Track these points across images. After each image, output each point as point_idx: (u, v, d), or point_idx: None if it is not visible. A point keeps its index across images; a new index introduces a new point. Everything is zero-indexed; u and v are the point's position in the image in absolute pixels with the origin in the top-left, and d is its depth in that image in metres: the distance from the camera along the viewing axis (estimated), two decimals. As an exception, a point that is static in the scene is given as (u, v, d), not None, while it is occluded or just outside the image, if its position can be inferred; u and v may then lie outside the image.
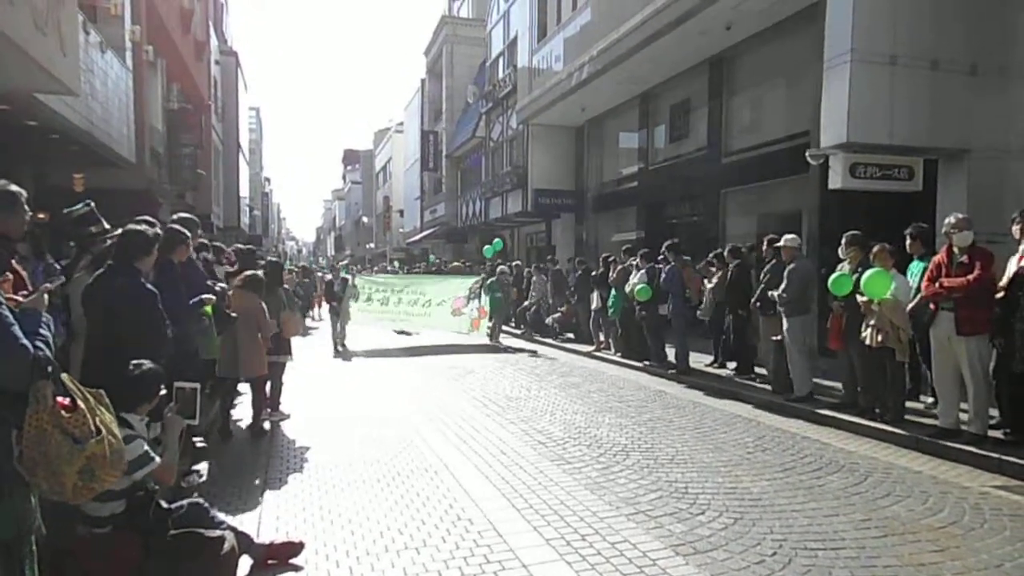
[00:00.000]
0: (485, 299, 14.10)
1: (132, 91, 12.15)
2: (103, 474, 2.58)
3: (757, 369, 9.27)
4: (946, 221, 5.98)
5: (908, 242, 6.92)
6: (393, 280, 15.72)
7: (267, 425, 6.91)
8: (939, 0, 8.47)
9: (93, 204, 5.04)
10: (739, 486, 5.07)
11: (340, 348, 13.32)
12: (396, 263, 35.20)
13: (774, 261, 8.36)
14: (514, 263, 18.06)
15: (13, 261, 3.45)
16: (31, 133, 8.90)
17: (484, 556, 3.83)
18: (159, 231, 4.47)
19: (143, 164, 12.85)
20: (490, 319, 14.21)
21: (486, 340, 14.11)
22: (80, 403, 2.56)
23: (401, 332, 15.34)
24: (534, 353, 13.10)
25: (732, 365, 9.77)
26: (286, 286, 8.20)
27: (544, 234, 22.99)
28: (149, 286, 4.04)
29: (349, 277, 14.91)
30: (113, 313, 3.85)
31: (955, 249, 5.87)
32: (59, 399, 2.51)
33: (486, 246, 17.20)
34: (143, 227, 4.15)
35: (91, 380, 2.92)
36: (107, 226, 4.96)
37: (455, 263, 24.13)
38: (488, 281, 14.38)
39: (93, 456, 2.52)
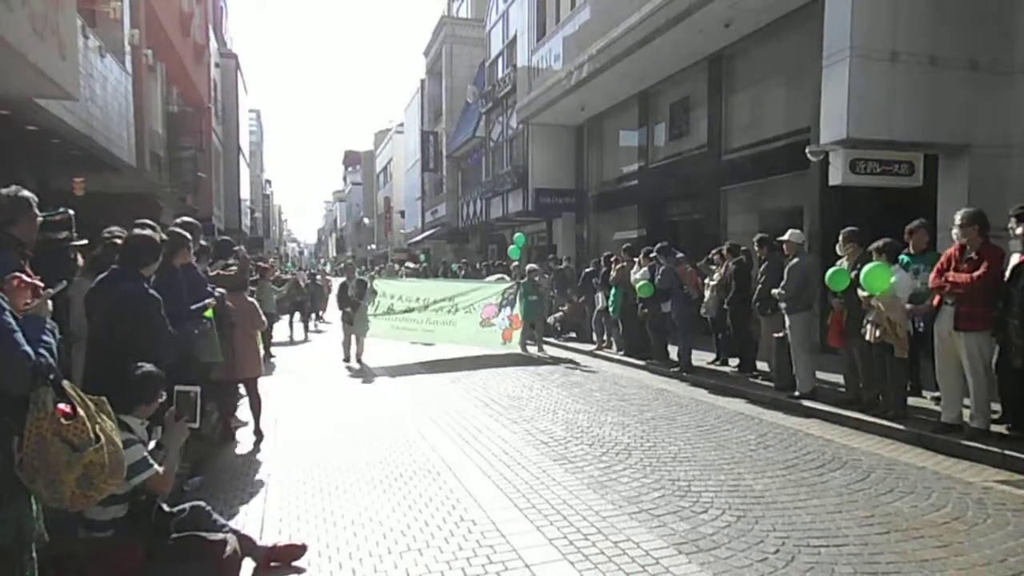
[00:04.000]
0: (519, 305, 12.54)
1: (132, 95, 12.15)
2: (101, 482, 2.57)
3: (759, 366, 9.26)
4: (954, 218, 5.94)
5: (907, 237, 6.90)
6: (417, 286, 13.51)
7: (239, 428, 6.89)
8: (938, -5, 8.46)
9: (72, 213, 4.96)
10: (742, 483, 5.06)
11: (357, 363, 11.63)
12: (422, 258, 33.54)
13: (768, 262, 8.35)
14: (514, 264, 18.01)
15: (26, 267, 3.46)
16: (31, 138, 8.91)
17: (487, 557, 3.83)
18: (164, 236, 4.47)
19: (143, 167, 12.85)
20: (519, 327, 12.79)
21: (518, 350, 12.61)
22: (80, 410, 2.55)
23: (417, 343, 13.43)
24: (536, 352, 13.06)
25: (734, 362, 9.77)
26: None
27: (545, 233, 23.01)
28: (152, 292, 4.05)
29: (366, 280, 12.81)
30: (116, 318, 3.85)
31: (968, 246, 5.84)
32: (60, 406, 2.50)
33: (511, 246, 15.85)
34: (149, 232, 4.15)
35: (93, 384, 2.92)
36: (74, 234, 4.85)
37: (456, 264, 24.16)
38: (522, 283, 12.84)
39: (91, 464, 2.51)
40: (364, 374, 10.81)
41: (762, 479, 5.16)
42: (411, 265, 23.36)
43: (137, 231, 4.12)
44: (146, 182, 13.21)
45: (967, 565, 3.66)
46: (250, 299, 6.72)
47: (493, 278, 16.19)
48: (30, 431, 2.40)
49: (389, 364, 11.58)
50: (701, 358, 10.24)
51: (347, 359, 11.77)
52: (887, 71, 8.33)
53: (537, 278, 13.09)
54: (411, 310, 12.22)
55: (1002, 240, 6.07)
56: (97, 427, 2.60)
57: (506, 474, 5.36)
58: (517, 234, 17.01)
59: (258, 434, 6.59)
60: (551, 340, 14.25)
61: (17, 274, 2.59)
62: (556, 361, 11.98)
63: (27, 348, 2.32)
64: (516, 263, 15.45)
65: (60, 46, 7.03)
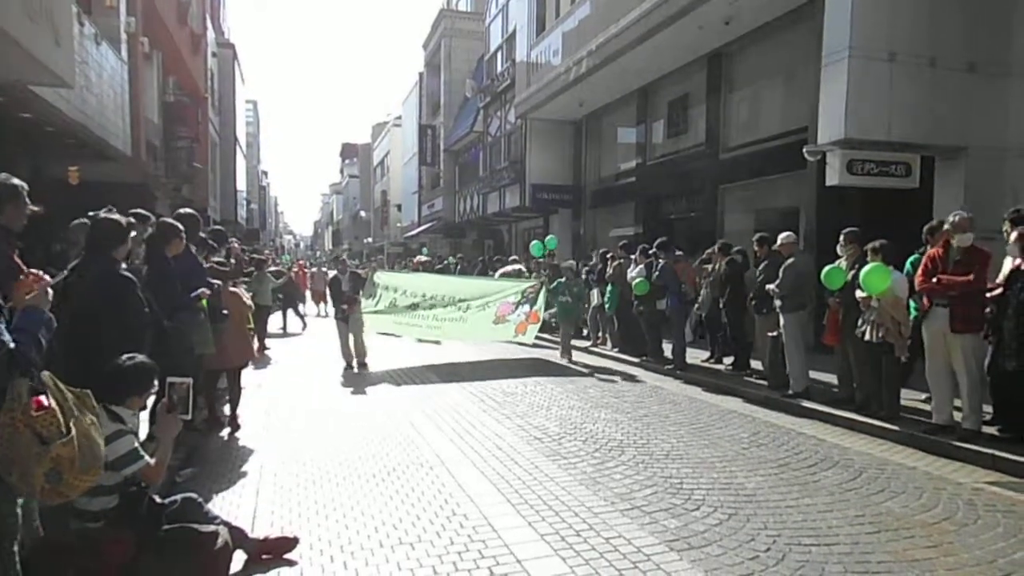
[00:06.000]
0: (540, 303, 11.40)
1: (127, 83, 12.10)
2: (71, 478, 2.50)
3: (754, 364, 9.28)
4: (948, 219, 5.96)
5: (926, 236, 6.84)
6: (423, 281, 12.07)
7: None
8: (938, -3, 8.47)
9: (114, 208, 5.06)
10: (734, 482, 5.07)
11: (357, 367, 10.47)
12: (424, 251, 30.62)
13: (767, 261, 8.37)
14: (511, 258, 17.98)
15: (15, 256, 3.44)
16: (25, 126, 8.87)
17: (479, 551, 3.82)
18: (132, 220, 4.44)
19: (139, 157, 12.81)
20: (542, 328, 11.83)
21: (527, 342, 11.78)
22: (52, 402, 2.49)
23: (423, 340, 12.65)
24: (532, 349, 13.04)
25: (729, 361, 9.79)
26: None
27: (542, 229, 22.97)
28: (125, 273, 4.03)
29: (361, 272, 11.77)
30: (91, 303, 3.83)
31: (953, 245, 5.86)
32: (37, 398, 2.46)
33: (534, 242, 14.73)
34: (115, 215, 4.13)
35: (68, 373, 2.88)
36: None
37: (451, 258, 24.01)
38: (555, 283, 11.59)
39: (59, 458, 2.44)
40: (360, 369, 10.75)
41: (754, 477, 5.18)
42: (423, 258, 21.13)
43: (101, 214, 4.09)
44: (141, 172, 13.16)
45: (957, 565, 3.68)
46: (233, 288, 6.69)
47: (511, 268, 14.73)
48: (4, 422, 2.37)
49: (386, 360, 11.52)
50: (696, 356, 10.26)
51: (349, 365, 10.53)
52: (886, 72, 8.34)
53: (536, 274, 12.07)
54: (416, 307, 11.13)
55: (996, 242, 6.09)
56: (72, 421, 2.54)
57: (499, 469, 5.36)
58: (549, 236, 15.81)
59: (233, 424, 6.58)
60: (546, 336, 13.47)
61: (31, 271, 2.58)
62: (581, 371, 10.35)
63: (6, 337, 2.31)
64: (539, 259, 14.42)
65: (55, 33, 7.00)
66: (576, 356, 11.47)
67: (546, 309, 11.70)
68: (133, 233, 4.25)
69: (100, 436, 2.70)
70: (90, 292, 3.84)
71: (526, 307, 11.36)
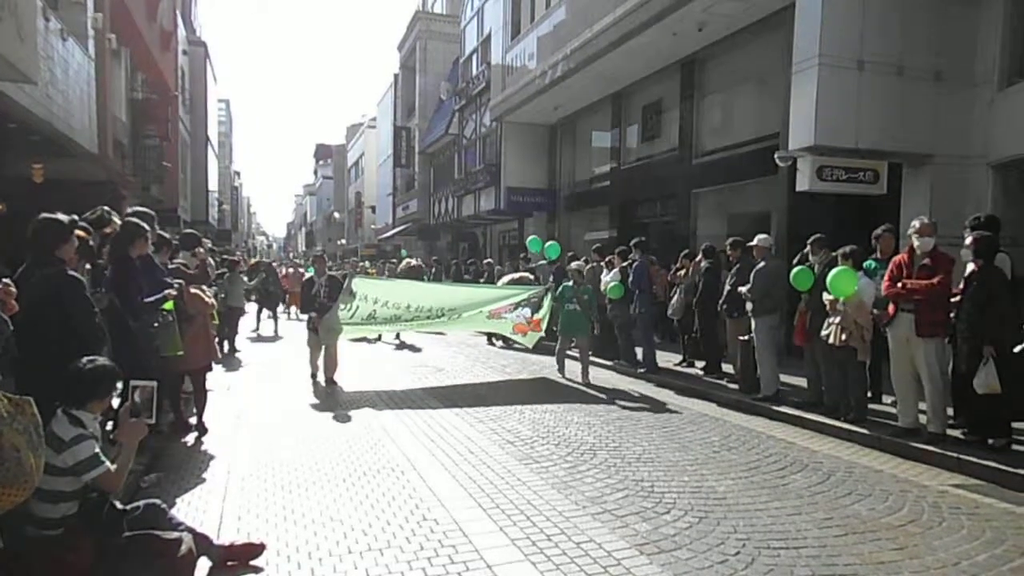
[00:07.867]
0: (545, 310, 10.29)
1: (95, 80, 11.83)
2: None
3: (725, 368, 9.35)
4: (911, 224, 6.09)
5: (874, 242, 7.02)
6: (408, 289, 10.51)
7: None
8: (906, 7, 8.64)
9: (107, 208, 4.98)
10: (704, 485, 5.10)
11: (325, 383, 9.27)
12: (403, 252, 27.78)
13: (739, 264, 8.46)
14: (485, 261, 17.94)
15: None
16: (-12, 122, 8.63)
17: (448, 556, 3.79)
18: (75, 217, 4.33)
19: (106, 155, 12.53)
20: (546, 333, 10.71)
21: (528, 345, 10.91)
22: None
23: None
24: (504, 349, 13.05)
25: (700, 364, 9.86)
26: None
27: (516, 232, 22.99)
28: (73, 273, 3.94)
29: (338, 276, 10.72)
30: (41, 306, 3.72)
31: (917, 251, 5.98)
32: None
33: (531, 237, 13.71)
34: (56, 215, 4.03)
35: (26, 379, 2.77)
36: (118, 223, 4.85)
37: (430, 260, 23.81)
38: (561, 288, 10.20)
39: None
40: (328, 385, 10.34)
41: (724, 481, 5.21)
42: (412, 262, 18.07)
43: (42, 215, 3.99)
44: (108, 170, 12.86)
45: (922, 568, 3.73)
46: (195, 289, 6.57)
47: (518, 275, 13.15)
48: None
49: (358, 365, 11.39)
50: (668, 360, 10.32)
51: (314, 375, 9.52)
52: (854, 80, 8.49)
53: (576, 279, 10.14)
54: (397, 319, 9.90)
55: (957, 249, 6.22)
56: (4, 432, 2.40)
57: (471, 473, 5.33)
58: (533, 237, 14.29)
59: (200, 428, 6.46)
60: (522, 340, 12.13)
61: None
62: (555, 377, 9.92)
63: None
64: (543, 262, 13.14)
65: (18, 27, 6.81)
66: (544, 358, 10.90)
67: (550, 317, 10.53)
68: (94, 231, 4.15)
69: (34, 449, 2.56)
70: (37, 295, 3.73)
71: (527, 311, 10.30)
